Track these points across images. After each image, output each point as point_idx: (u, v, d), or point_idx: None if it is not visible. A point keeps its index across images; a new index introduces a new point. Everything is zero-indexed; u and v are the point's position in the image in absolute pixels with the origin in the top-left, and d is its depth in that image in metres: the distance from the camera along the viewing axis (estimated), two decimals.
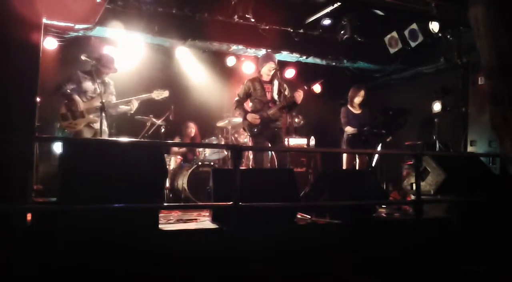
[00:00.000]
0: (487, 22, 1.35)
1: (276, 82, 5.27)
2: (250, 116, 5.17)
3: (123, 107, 5.34)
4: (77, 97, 5.06)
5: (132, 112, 5.41)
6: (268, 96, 5.25)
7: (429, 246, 3.88)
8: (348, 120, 6.05)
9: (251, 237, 3.23)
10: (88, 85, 5.14)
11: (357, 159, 6.03)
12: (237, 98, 5.35)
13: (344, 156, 6.14)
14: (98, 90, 5.07)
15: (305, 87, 5.23)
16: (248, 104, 5.40)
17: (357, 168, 5.98)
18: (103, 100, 4.96)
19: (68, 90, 5.06)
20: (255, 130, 5.17)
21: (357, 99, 6.17)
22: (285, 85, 5.34)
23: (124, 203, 2.87)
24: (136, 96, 5.38)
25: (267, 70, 5.26)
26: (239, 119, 5.86)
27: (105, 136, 4.97)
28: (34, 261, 2.61)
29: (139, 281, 2.86)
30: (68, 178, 2.90)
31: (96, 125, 5.05)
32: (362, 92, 6.17)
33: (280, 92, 5.23)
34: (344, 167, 6.05)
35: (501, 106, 1.36)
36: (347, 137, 5.99)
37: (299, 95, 5.04)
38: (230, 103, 5.71)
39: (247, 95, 5.33)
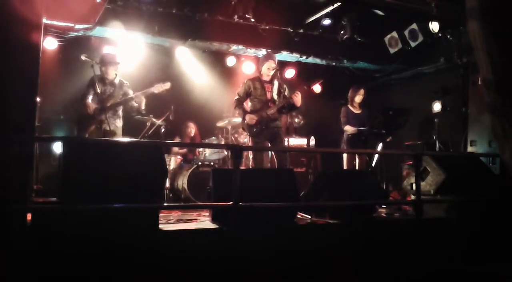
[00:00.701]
0: (482, 36, 1.35)
1: (276, 82, 5.27)
2: (248, 117, 5.18)
3: (133, 106, 5.40)
4: (88, 101, 5.17)
5: (142, 108, 5.42)
6: (268, 96, 5.25)
7: (429, 246, 3.87)
8: (348, 119, 6.06)
9: (251, 237, 3.23)
10: (99, 87, 5.22)
11: (357, 159, 6.03)
12: (237, 97, 5.34)
13: (344, 155, 6.14)
14: (107, 92, 5.19)
15: (305, 87, 5.21)
16: (247, 104, 5.40)
17: (357, 168, 5.98)
18: (115, 101, 5.15)
19: (88, 96, 5.20)
20: (254, 130, 5.17)
21: (358, 98, 6.19)
22: (285, 85, 5.35)
23: (124, 203, 2.87)
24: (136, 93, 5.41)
25: (267, 70, 5.26)
26: (239, 119, 5.86)
27: (118, 137, 5.06)
28: (34, 261, 2.61)
29: (139, 281, 2.86)
30: (68, 178, 2.90)
31: (105, 127, 5.10)
32: (362, 91, 6.19)
33: (280, 92, 5.23)
34: (344, 167, 6.06)
35: (499, 119, 1.36)
36: (347, 137, 5.99)
37: (297, 98, 5.02)
38: (230, 103, 5.71)
39: (247, 94, 5.32)
